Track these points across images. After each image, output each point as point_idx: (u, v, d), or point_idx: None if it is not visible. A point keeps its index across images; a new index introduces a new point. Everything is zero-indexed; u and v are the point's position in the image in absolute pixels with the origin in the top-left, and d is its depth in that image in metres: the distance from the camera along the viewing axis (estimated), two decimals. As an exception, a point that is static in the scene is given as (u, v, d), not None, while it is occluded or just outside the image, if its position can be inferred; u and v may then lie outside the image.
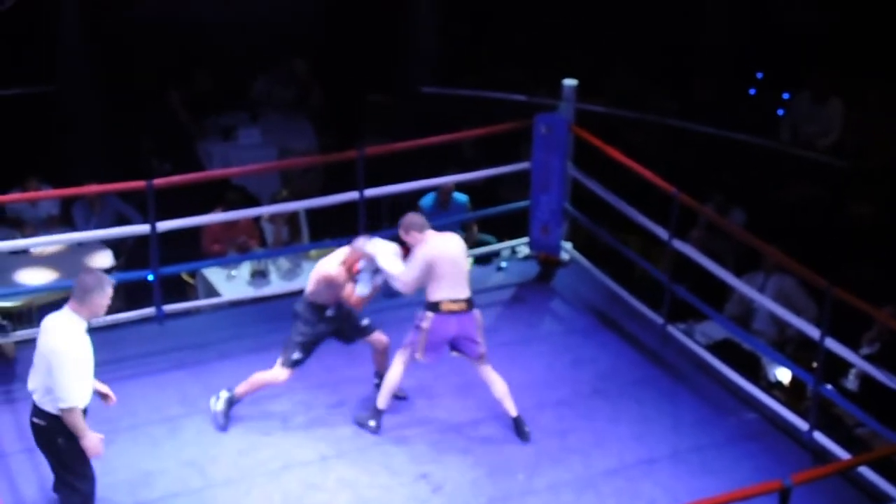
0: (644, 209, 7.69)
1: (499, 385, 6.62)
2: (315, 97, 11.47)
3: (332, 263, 6.53)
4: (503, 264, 8.58)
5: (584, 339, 7.67)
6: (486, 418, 6.77)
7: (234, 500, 6.10)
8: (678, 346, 7.48)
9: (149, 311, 7.42)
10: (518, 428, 6.61)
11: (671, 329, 7.54)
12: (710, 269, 7.28)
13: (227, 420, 6.56)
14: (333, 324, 6.61)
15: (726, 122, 10.21)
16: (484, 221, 8.67)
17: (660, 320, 7.57)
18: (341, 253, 6.59)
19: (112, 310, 8.11)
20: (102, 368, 6.89)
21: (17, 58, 11.18)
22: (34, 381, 5.45)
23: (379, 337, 6.76)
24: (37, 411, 5.44)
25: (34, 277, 8.48)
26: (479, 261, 8.59)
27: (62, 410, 5.32)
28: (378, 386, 6.74)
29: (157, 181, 7.20)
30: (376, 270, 6.57)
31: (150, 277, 7.37)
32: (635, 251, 8.32)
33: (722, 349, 7.52)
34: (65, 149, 10.46)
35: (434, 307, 6.43)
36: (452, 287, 6.44)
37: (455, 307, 6.45)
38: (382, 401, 6.59)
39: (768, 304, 7.10)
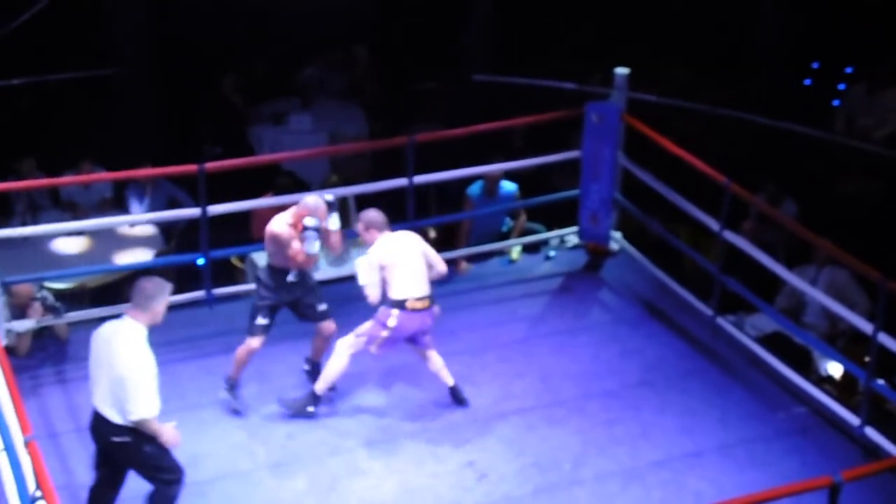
0: (695, 200, 7.62)
1: (435, 358, 6.70)
2: (374, 84, 11.49)
3: (279, 221, 6.48)
4: (551, 253, 8.55)
5: (632, 330, 7.62)
6: (532, 407, 6.76)
7: (282, 483, 6.14)
8: (728, 338, 7.42)
9: (199, 294, 7.47)
10: (455, 396, 6.72)
11: (721, 321, 7.48)
12: (761, 260, 7.20)
13: (239, 403, 6.66)
14: (294, 291, 6.58)
15: (780, 113, 10.08)
16: (533, 210, 8.63)
17: (709, 312, 7.51)
18: (290, 211, 6.54)
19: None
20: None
21: (75, 41, 11.32)
22: (101, 397, 5.27)
23: (329, 325, 6.72)
24: (114, 429, 5.26)
25: (86, 259, 8.58)
26: (528, 249, 8.57)
27: (138, 422, 5.22)
28: (309, 373, 6.81)
29: (209, 165, 7.25)
30: (320, 230, 6.47)
31: (201, 261, 7.42)
32: (685, 242, 8.26)
33: (772, 342, 7.44)
34: (120, 132, 10.57)
35: (399, 305, 6.44)
36: (414, 285, 6.47)
37: (419, 305, 6.48)
38: (321, 386, 6.59)
39: (820, 297, 7.01)
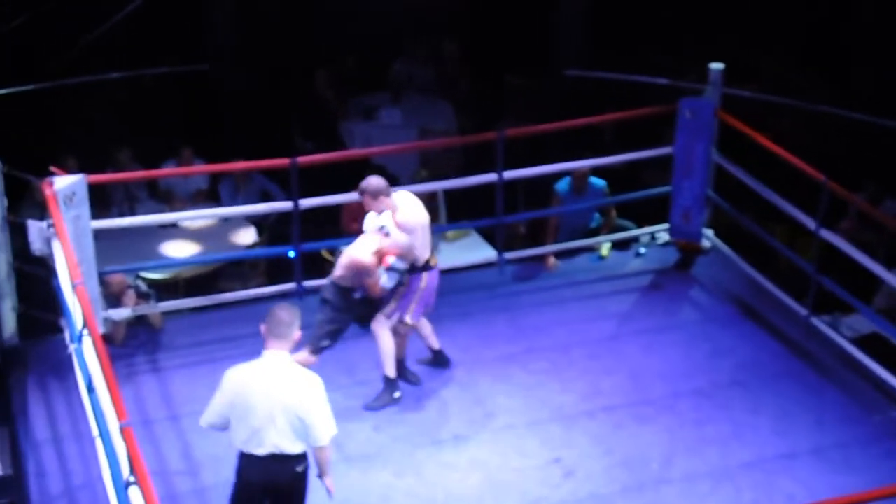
0: (791, 198, 7.47)
1: (425, 324, 6.83)
2: (464, 80, 11.50)
3: (364, 251, 6.36)
4: (642, 250, 8.46)
5: (723, 329, 7.51)
6: (620, 405, 6.70)
7: (369, 475, 6.18)
8: (823, 339, 7.26)
9: (289, 286, 7.55)
10: (438, 359, 6.91)
11: (816, 321, 7.32)
12: (859, 260, 7.03)
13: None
14: (361, 308, 6.55)
15: (884, 110, 9.82)
16: (623, 206, 8.55)
17: (804, 312, 7.36)
18: (372, 241, 6.42)
19: (254, 284, 8.41)
20: (244, 342, 7.14)
21: (171, 37, 11.53)
22: (275, 436, 5.02)
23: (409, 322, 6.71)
24: (296, 460, 5.10)
25: (182, 250, 8.73)
26: (618, 246, 8.49)
27: (322, 448, 5.14)
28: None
29: (301, 159, 7.32)
30: (404, 271, 6.46)
31: (292, 254, 7.50)
32: (781, 240, 8.10)
33: (869, 343, 7.26)
34: (215, 126, 10.74)
35: (426, 266, 6.51)
36: (428, 244, 6.55)
37: (435, 261, 6.61)
38: (390, 370, 6.64)
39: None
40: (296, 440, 5.06)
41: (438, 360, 6.98)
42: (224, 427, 5.14)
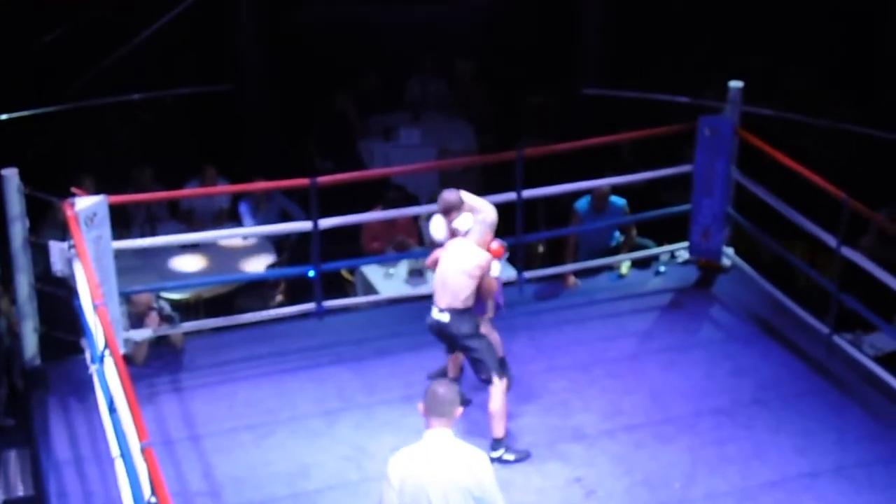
0: (812, 216, 7.44)
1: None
2: (479, 99, 11.53)
3: (481, 255, 6.26)
4: (662, 268, 8.44)
5: (744, 348, 7.47)
6: (641, 424, 6.67)
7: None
8: (845, 357, 7.21)
9: (309, 306, 7.57)
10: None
11: (838, 339, 7.28)
12: (880, 277, 6.99)
13: (525, 452, 6.41)
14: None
15: None
16: (643, 225, 8.54)
17: (826, 330, 7.32)
18: (466, 244, 6.28)
19: (274, 304, 8.43)
20: (264, 361, 7.16)
21: (196, 57, 11.63)
22: None
23: None
24: None
25: (202, 270, 8.77)
26: (638, 265, 8.47)
27: None
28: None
29: (321, 179, 7.34)
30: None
31: (312, 273, 7.52)
32: (801, 258, 8.07)
33: (892, 361, 7.21)
34: (237, 145, 10.80)
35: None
36: None
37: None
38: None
39: (943, 317, 6.78)
40: None
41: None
42: None
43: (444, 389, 4.74)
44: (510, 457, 6.33)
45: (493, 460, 6.20)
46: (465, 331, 6.26)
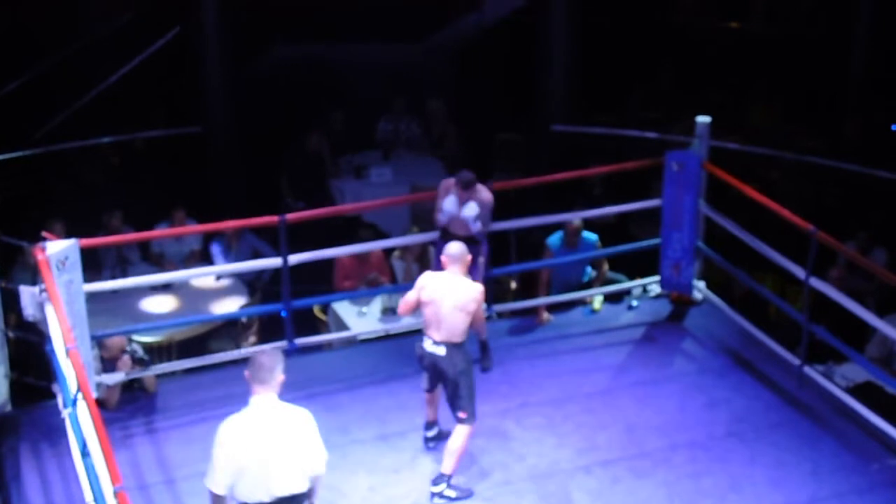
0: (781, 248, 7.52)
1: None
2: (449, 137, 11.59)
3: (470, 288, 6.30)
4: (634, 303, 8.48)
5: (717, 380, 7.51)
6: (616, 459, 6.67)
7: (365, 535, 6.13)
8: (817, 388, 7.26)
9: (281, 344, 7.54)
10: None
11: (809, 371, 7.33)
12: (850, 308, 7.05)
13: (467, 491, 6.37)
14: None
15: (873, 160, 9.92)
16: (614, 259, 8.59)
17: (797, 362, 7.37)
18: (457, 278, 6.34)
19: (246, 344, 8.40)
20: (238, 401, 7.06)
21: (165, 100, 11.65)
22: (281, 483, 5.05)
23: None
24: (301, 498, 5.12)
25: (174, 312, 8.73)
26: (610, 299, 8.51)
27: (318, 477, 5.17)
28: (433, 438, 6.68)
29: (290, 216, 7.35)
30: None
31: (283, 312, 7.50)
32: (771, 290, 8.13)
33: (863, 392, 7.27)
34: (208, 188, 10.80)
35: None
36: None
37: None
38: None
39: (912, 346, 6.85)
40: (300, 478, 5.09)
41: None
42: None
43: (265, 357, 5.15)
44: (451, 493, 6.30)
45: (432, 495, 6.26)
46: (459, 367, 6.28)
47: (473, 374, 6.39)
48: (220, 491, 5.06)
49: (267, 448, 5.02)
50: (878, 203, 9.91)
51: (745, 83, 11.97)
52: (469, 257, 6.44)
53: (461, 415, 6.34)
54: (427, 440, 6.74)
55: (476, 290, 6.31)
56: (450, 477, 6.30)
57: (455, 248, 6.39)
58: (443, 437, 6.61)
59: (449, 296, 6.27)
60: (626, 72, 12.09)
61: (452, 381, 6.31)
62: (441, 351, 6.27)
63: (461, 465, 6.44)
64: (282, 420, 5.09)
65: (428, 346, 6.32)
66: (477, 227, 7.34)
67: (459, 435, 6.30)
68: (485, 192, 7.40)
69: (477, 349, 7.35)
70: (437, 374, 6.38)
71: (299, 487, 5.08)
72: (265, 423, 5.07)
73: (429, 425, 6.75)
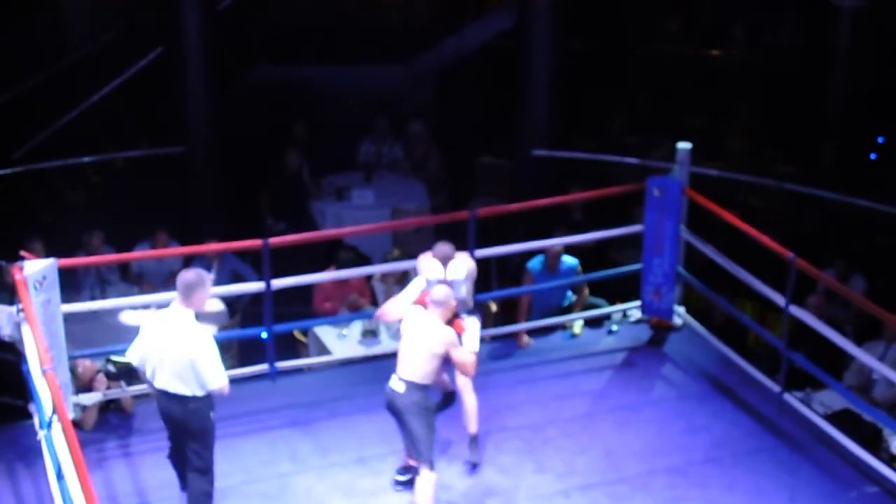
0: (760, 275, 7.55)
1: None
2: (431, 160, 11.61)
3: (441, 332, 6.14)
4: (614, 328, 8.49)
5: (697, 406, 7.52)
6: (595, 484, 6.67)
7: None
8: (796, 415, 7.28)
9: (262, 367, 7.52)
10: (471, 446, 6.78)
11: (788, 397, 7.35)
12: (829, 336, 7.08)
13: None
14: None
15: (851, 188, 9.99)
16: (595, 284, 8.61)
17: (776, 388, 7.39)
18: (432, 319, 6.17)
19: (226, 366, 8.35)
20: (216, 424, 7.04)
21: (144, 120, 11.63)
22: (165, 378, 5.81)
23: None
24: (188, 400, 5.79)
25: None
26: (590, 324, 8.52)
27: (216, 392, 5.81)
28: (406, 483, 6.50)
29: (273, 240, 7.33)
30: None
31: (264, 335, 7.48)
32: (751, 317, 8.15)
33: (841, 419, 7.29)
34: (189, 208, 10.77)
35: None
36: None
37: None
38: (475, 427, 6.69)
39: (889, 373, 6.87)
40: (183, 384, 5.76)
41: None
42: None
43: (189, 275, 5.81)
44: None
45: None
46: (414, 408, 6.07)
47: (433, 421, 6.14)
48: (133, 360, 5.99)
49: (164, 348, 5.78)
50: (857, 231, 9.97)
51: (726, 110, 12.05)
52: (454, 303, 6.27)
53: (412, 462, 6.22)
54: (396, 482, 6.56)
55: (447, 334, 6.11)
56: None
57: (439, 292, 6.21)
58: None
59: (420, 337, 6.12)
60: (607, 97, 12.15)
61: (406, 422, 6.09)
62: (401, 388, 6.08)
63: (437, 489, 6.41)
64: (183, 332, 5.76)
65: (392, 381, 6.14)
66: (461, 294, 6.66)
67: (419, 490, 6.07)
68: (468, 261, 6.85)
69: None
70: (394, 412, 6.16)
71: (186, 391, 5.77)
72: (170, 328, 5.79)
73: (402, 469, 6.57)
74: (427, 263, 6.71)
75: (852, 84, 11.30)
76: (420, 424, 6.07)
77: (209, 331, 5.85)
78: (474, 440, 6.74)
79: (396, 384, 6.13)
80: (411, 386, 6.09)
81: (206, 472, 5.94)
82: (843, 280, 8.55)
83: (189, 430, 5.88)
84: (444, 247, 6.74)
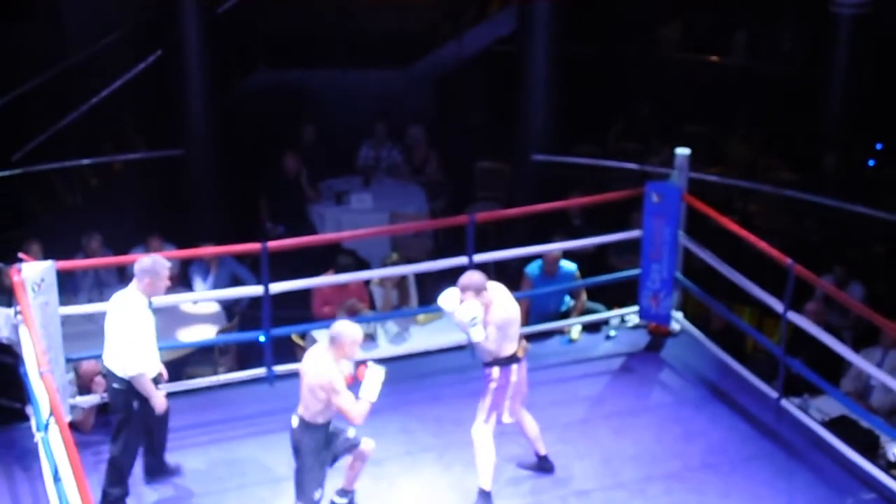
0: (759, 281, 7.55)
1: (532, 426, 6.61)
2: (431, 164, 11.62)
3: (323, 373, 5.80)
4: (612, 333, 8.49)
5: (694, 412, 7.52)
6: (592, 489, 6.67)
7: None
8: (793, 421, 7.28)
9: (260, 371, 7.51)
10: (543, 465, 6.71)
11: (786, 404, 7.35)
12: (826, 342, 7.08)
13: None
14: (335, 443, 6.02)
15: (850, 195, 10.00)
16: (593, 289, 8.61)
17: (774, 394, 7.39)
18: (323, 357, 5.88)
19: (224, 369, 8.36)
20: (213, 427, 7.07)
21: (147, 123, 11.63)
22: (106, 351, 6.28)
23: (367, 445, 6.16)
24: (114, 378, 6.25)
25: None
26: (588, 329, 8.52)
27: (132, 378, 6.16)
28: None
29: (272, 244, 7.33)
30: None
31: (262, 338, 7.47)
32: (749, 323, 8.15)
33: (838, 426, 7.29)
34: (187, 211, 10.77)
35: (514, 359, 6.35)
36: (516, 336, 6.38)
37: (522, 352, 6.40)
38: (487, 482, 6.37)
39: (887, 380, 6.87)
40: (117, 361, 6.19)
41: (543, 466, 6.74)
42: None
43: (147, 260, 6.28)
44: None
45: None
46: (302, 446, 5.92)
47: (319, 464, 5.93)
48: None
49: (107, 323, 6.28)
50: (856, 238, 9.98)
51: (725, 116, 12.06)
52: (346, 341, 5.85)
53: (352, 486, 6.19)
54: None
55: (326, 377, 5.77)
56: None
57: (336, 326, 5.91)
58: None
59: (308, 372, 5.91)
60: (607, 103, 12.16)
61: (296, 460, 5.96)
62: (295, 422, 5.93)
63: (435, 495, 6.42)
64: (117, 307, 6.23)
65: (294, 414, 6.01)
66: (473, 338, 6.28)
67: None
68: (501, 306, 6.33)
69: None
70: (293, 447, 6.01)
71: (114, 368, 6.20)
72: (114, 305, 6.27)
73: (341, 492, 6.37)
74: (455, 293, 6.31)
75: (851, 91, 11.30)
76: (301, 464, 5.90)
77: (145, 318, 6.22)
78: (481, 496, 6.42)
79: (293, 418, 5.97)
80: (301, 423, 5.91)
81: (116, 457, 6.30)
82: (842, 287, 8.54)
83: (113, 407, 6.38)
84: (466, 277, 6.30)
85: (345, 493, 6.36)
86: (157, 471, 6.64)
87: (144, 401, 6.26)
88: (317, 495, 5.92)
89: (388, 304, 8.88)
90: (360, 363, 6.04)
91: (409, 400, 7.47)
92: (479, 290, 6.23)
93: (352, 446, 6.11)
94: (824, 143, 11.16)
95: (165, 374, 6.59)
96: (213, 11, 11.16)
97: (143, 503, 6.48)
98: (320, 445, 5.91)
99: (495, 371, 6.34)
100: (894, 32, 11.46)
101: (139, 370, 6.18)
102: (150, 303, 6.30)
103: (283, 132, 11.52)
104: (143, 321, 6.22)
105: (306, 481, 5.91)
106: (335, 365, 5.85)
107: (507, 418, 6.44)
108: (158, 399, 6.30)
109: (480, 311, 6.24)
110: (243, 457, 6.89)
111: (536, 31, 10.84)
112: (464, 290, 6.23)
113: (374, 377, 5.91)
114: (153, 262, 6.28)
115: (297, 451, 5.94)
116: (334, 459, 6.07)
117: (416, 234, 10.40)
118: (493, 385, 6.37)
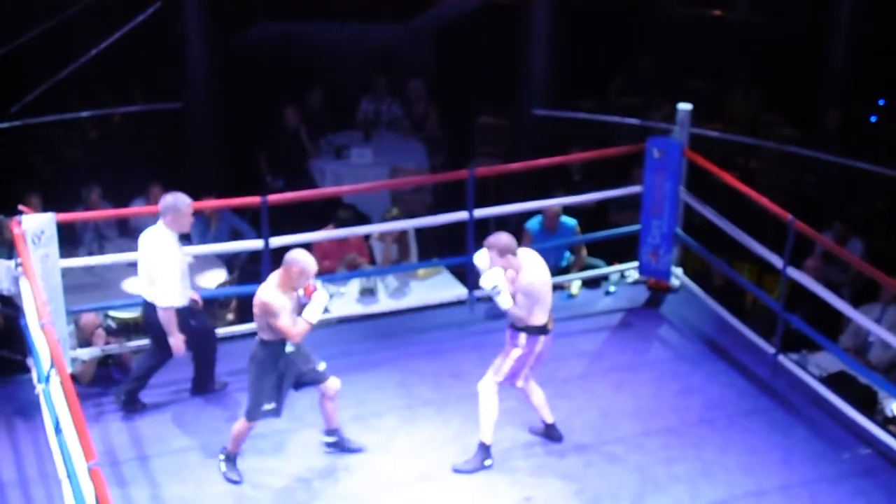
0: (759, 237, 7.55)
1: (538, 394, 6.61)
2: (431, 119, 11.58)
3: (259, 293, 6.00)
4: (611, 289, 8.50)
5: (692, 367, 7.55)
6: (590, 444, 6.71)
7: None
8: (790, 377, 7.31)
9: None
10: (551, 433, 6.68)
11: (783, 359, 7.38)
12: (825, 298, 7.10)
13: (238, 473, 6.31)
14: (297, 363, 6.19)
15: (852, 151, 9.97)
16: (593, 245, 8.61)
17: (772, 350, 7.41)
18: (271, 280, 6.07)
19: (224, 323, 8.38)
20: (217, 378, 7.06)
21: (147, 75, 11.56)
22: (142, 283, 6.63)
23: (333, 383, 6.31)
24: (147, 305, 6.60)
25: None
26: (588, 284, 8.53)
27: (163, 309, 6.46)
28: (329, 445, 6.49)
29: (271, 198, 7.32)
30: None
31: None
32: (748, 279, 8.16)
33: (836, 381, 7.33)
34: (185, 164, 10.75)
35: (544, 329, 6.33)
36: (548, 306, 6.33)
37: (552, 324, 6.37)
38: (487, 436, 6.41)
39: (885, 336, 6.89)
40: (146, 289, 6.53)
41: (550, 434, 6.70)
42: None
43: (168, 196, 6.44)
44: (223, 467, 6.29)
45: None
46: (251, 357, 6.13)
47: (265, 376, 6.09)
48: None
49: (139, 259, 6.62)
50: (856, 194, 9.97)
51: (727, 71, 12.00)
52: (294, 269, 5.97)
53: (334, 425, 6.41)
54: (325, 444, 6.56)
55: (260, 298, 5.95)
56: (231, 452, 6.29)
57: (292, 254, 6.03)
58: (344, 448, 6.53)
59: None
60: (608, 58, 12.09)
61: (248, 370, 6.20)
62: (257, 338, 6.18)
63: (434, 447, 6.45)
64: (149, 246, 6.50)
65: None
66: (502, 306, 6.25)
67: (237, 424, 6.26)
68: (526, 273, 6.21)
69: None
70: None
71: (148, 296, 6.56)
72: (144, 241, 6.58)
73: (326, 432, 6.54)
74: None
75: (854, 46, 11.23)
76: (251, 374, 6.16)
77: (176, 253, 6.46)
78: (481, 448, 6.45)
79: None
80: (257, 339, 6.15)
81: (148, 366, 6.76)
82: (842, 243, 8.55)
83: (153, 333, 6.70)
84: (494, 236, 6.22)
85: (330, 432, 6.50)
86: (206, 386, 6.99)
87: (200, 318, 6.76)
88: (266, 407, 6.15)
89: (388, 258, 8.89)
90: (308, 285, 6.10)
91: (409, 354, 7.49)
92: (503, 252, 6.13)
93: (317, 379, 6.27)
94: (826, 98, 11.11)
95: (200, 302, 6.88)
96: (212, -37, 11.07)
97: (146, 454, 6.51)
98: (268, 360, 6.10)
99: (522, 337, 6.31)
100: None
101: (169, 303, 6.47)
102: (178, 238, 6.53)
103: (282, 85, 11.46)
104: (170, 255, 6.46)
105: (253, 389, 6.16)
106: (276, 289, 5.99)
107: (520, 383, 6.44)
108: (177, 339, 6.57)
109: (503, 278, 6.17)
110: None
111: (538, -17, 10.76)
112: (490, 247, 6.17)
113: (319, 300, 6.09)
114: (174, 199, 6.45)
115: (249, 362, 6.18)
116: (299, 385, 6.27)
117: (416, 188, 10.37)
118: (517, 351, 6.34)
